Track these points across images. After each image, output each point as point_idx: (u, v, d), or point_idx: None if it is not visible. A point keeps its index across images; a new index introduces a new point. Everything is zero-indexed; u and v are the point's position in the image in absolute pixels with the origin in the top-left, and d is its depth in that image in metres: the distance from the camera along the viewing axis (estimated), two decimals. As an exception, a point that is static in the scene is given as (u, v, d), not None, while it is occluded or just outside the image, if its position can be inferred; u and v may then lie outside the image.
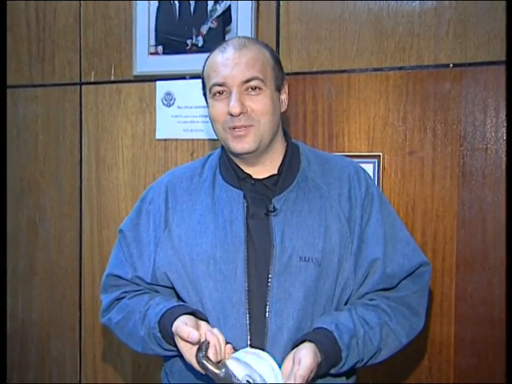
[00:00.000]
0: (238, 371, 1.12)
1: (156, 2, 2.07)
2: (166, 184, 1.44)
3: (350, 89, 1.89)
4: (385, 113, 1.86)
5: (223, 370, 1.12)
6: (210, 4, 2.01)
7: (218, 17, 2.01)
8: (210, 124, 1.39)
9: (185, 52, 2.05)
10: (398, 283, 1.36)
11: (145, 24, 2.09)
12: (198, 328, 1.20)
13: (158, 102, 2.12)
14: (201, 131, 2.06)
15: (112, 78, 2.20)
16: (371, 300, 1.34)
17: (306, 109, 1.93)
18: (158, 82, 2.12)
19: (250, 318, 1.26)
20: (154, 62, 2.09)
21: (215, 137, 2.00)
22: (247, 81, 1.29)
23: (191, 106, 2.07)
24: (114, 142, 2.20)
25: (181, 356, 1.29)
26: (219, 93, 1.31)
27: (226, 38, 1.99)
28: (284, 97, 1.40)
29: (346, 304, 1.35)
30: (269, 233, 1.30)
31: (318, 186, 1.36)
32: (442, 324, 1.81)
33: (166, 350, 1.31)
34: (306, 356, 1.16)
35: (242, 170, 1.37)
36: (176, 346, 1.25)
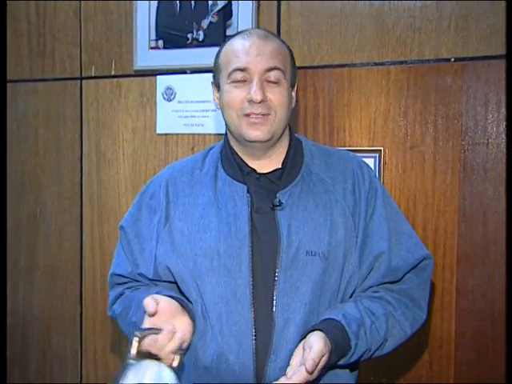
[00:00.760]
0: (130, 378, 1.06)
1: (156, -4, 2.07)
2: (167, 178, 1.42)
3: (351, 83, 1.89)
4: (386, 107, 1.85)
5: (130, 362, 1.07)
6: (211, -2, 2.01)
7: (218, 11, 2.01)
8: (221, 111, 1.36)
9: (185, 46, 2.05)
10: (403, 276, 1.36)
11: (145, 18, 2.09)
12: (176, 312, 1.20)
13: (159, 97, 2.12)
14: (201, 126, 2.06)
15: (112, 73, 2.19)
16: (375, 292, 1.35)
17: (306, 103, 1.93)
18: (158, 77, 2.11)
19: (254, 312, 1.26)
20: (155, 57, 2.09)
21: (216, 131, 2.04)
22: (269, 69, 1.28)
23: (192, 100, 2.07)
24: (115, 137, 2.20)
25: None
26: (239, 81, 1.29)
27: (227, 33, 1.98)
28: (294, 94, 1.39)
29: (350, 297, 1.36)
30: (275, 227, 1.29)
31: (323, 180, 1.36)
32: (443, 318, 1.81)
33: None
34: (316, 342, 1.15)
35: (247, 165, 1.36)
36: None
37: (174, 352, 1.16)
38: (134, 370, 1.07)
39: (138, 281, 1.42)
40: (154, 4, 2.08)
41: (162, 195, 1.40)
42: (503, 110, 1.73)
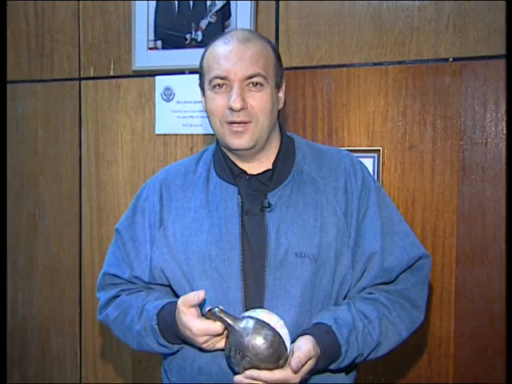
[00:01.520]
0: (266, 317, 1.14)
1: (155, -3, 2.07)
2: (161, 181, 1.43)
3: (350, 83, 1.89)
4: (384, 107, 1.85)
5: (240, 318, 1.14)
6: (209, -2, 2.01)
7: (217, 11, 2.01)
8: (207, 117, 1.36)
9: (184, 47, 2.05)
10: (397, 276, 1.34)
11: (144, 19, 2.09)
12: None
13: (158, 97, 2.12)
14: (200, 126, 2.06)
15: (111, 73, 2.19)
16: (370, 294, 1.33)
17: (305, 103, 1.93)
18: (157, 77, 2.11)
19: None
20: (154, 57, 2.09)
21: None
22: (250, 77, 1.26)
23: (190, 100, 2.07)
24: (114, 138, 2.20)
25: (174, 353, 1.31)
26: (219, 85, 1.28)
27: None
28: (281, 94, 1.37)
29: (344, 299, 1.35)
30: (264, 229, 1.28)
31: (314, 180, 1.34)
32: (442, 318, 1.81)
33: (162, 345, 1.31)
34: (304, 344, 1.16)
35: (237, 166, 1.35)
36: (172, 341, 1.26)
37: None
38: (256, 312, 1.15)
39: (133, 283, 1.42)
40: (153, 4, 2.08)
41: (156, 199, 1.40)
42: (501, 110, 1.73)
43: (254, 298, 1.26)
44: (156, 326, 1.28)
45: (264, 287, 1.26)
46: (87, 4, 2.21)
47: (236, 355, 1.13)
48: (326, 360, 1.21)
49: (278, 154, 1.37)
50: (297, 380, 1.14)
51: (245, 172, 1.34)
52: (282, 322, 1.15)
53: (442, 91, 1.79)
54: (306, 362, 1.13)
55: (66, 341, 2.32)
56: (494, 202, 1.75)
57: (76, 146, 2.26)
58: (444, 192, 1.80)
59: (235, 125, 1.27)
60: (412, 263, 1.35)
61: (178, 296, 1.36)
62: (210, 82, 1.29)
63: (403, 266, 1.34)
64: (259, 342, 1.10)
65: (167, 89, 2.10)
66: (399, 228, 1.37)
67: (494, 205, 1.75)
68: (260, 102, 1.28)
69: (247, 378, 1.11)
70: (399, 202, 1.83)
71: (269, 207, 1.30)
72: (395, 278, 1.35)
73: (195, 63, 2.01)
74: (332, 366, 1.24)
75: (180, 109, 2.09)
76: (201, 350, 1.25)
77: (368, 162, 1.80)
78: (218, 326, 1.16)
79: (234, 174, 1.35)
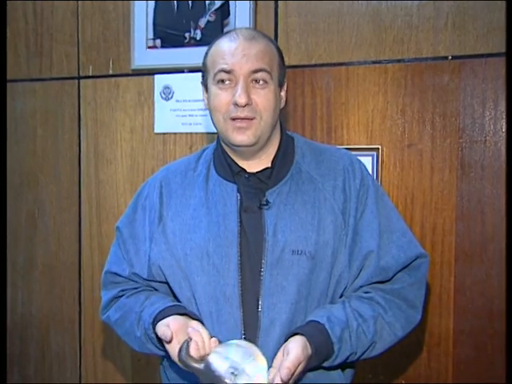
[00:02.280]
0: (221, 365, 1.12)
1: (154, -4, 2.07)
2: (161, 179, 1.43)
3: (349, 81, 1.89)
4: (383, 105, 1.85)
5: (203, 365, 1.13)
6: (208, -3, 2.01)
7: (216, 10, 2.01)
8: (209, 113, 1.36)
9: (183, 45, 2.05)
10: (394, 275, 1.34)
11: (143, 17, 2.09)
12: (186, 324, 1.22)
13: (157, 96, 2.12)
14: (199, 125, 2.06)
15: (110, 72, 2.19)
16: (366, 293, 1.33)
17: (304, 102, 1.93)
18: (156, 76, 2.11)
19: (243, 312, 1.26)
20: (152, 56, 2.08)
21: (214, 130, 2.03)
22: (255, 71, 1.27)
23: (190, 99, 2.07)
24: (113, 136, 2.20)
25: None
26: (223, 81, 1.28)
27: (225, 31, 1.98)
28: (283, 94, 1.38)
29: (341, 297, 1.35)
30: (261, 226, 1.29)
31: (312, 178, 1.35)
32: (441, 316, 1.81)
33: (162, 350, 1.31)
34: (294, 348, 1.16)
35: (237, 164, 1.36)
36: None
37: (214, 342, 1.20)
38: (217, 359, 1.14)
39: (133, 281, 1.43)
40: (152, 3, 2.08)
41: (156, 196, 1.41)
42: (501, 108, 1.74)
43: (250, 294, 1.27)
44: (153, 335, 1.28)
45: (260, 284, 1.26)
46: (86, 3, 2.21)
47: None
48: (318, 358, 1.21)
49: (277, 152, 1.37)
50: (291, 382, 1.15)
51: (244, 170, 1.35)
52: (256, 358, 1.15)
53: (441, 89, 1.79)
54: (295, 369, 1.14)
55: (66, 339, 2.32)
56: (493, 200, 1.75)
57: (75, 144, 2.26)
58: (443, 190, 1.80)
59: (239, 120, 1.28)
60: (409, 262, 1.35)
61: (175, 293, 1.37)
62: (215, 76, 1.30)
63: (400, 265, 1.34)
64: None
65: (166, 87, 2.10)
66: (397, 227, 1.37)
67: (492, 203, 1.75)
68: (264, 99, 1.29)
69: None
70: (398, 200, 1.83)
71: (267, 205, 1.30)
72: (392, 277, 1.34)
73: (194, 62, 2.03)
74: (325, 364, 1.25)
75: (179, 107, 2.09)
76: None
77: (367, 161, 1.80)
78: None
79: (233, 172, 1.35)
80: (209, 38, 2.00)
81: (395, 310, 1.31)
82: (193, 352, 1.15)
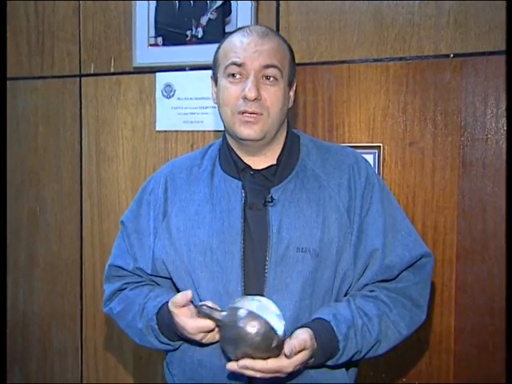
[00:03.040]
0: (246, 303, 1.15)
1: (155, -6, 2.07)
2: (166, 174, 1.44)
3: (350, 80, 1.89)
4: (385, 103, 1.85)
5: (226, 311, 1.15)
6: (210, -5, 2.02)
7: (217, 8, 2.01)
8: (217, 107, 1.36)
9: (184, 43, 2.05)
10: (399, 274, 1.34)
11: (144, 15, 2.09)
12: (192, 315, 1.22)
13: (158, 94, 2.12)
14: (201, 123, 2.06)
15: (112, 70, 2.20)
16: (371, 291, 1.33)
17: (306, 100, 1.93)
18: (157, 74, 2.12)
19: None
20: (154, 54, 2.09)
21: (215, 128, 2.04)
22: (266, 67, 1.27)
23: (191, 97, 2.07)
24: (114, 134, 2.20)
25: (180, 346, 1.31)
26: (233, 75, 1.28)
27: (226, 30, 1.98)
28: (292, 93, 1.39)
29: (345, 295, 1.35)
30: (266, 223, 1.29)
31: (317, 176, 1.35)
32: (443, 314, 1.82)
33: (163, 343, 1.32)
34: (301, 333, 1.17)
35: (242, 161, 1.36)
36: (173, 338, 1.27)
37: None
38: (241, 303, 1.16)
39: (137, 275, 1.43)
40: (154, 1, 2.08)
41: (161, 191, 1.41)
42: (502, 106, 1.74)
43: (253, 291, 1.26)
44: (156, 327, 1.29)
45: (264, 281, 1.27)
46: (88, 1, 2.21)
47: (229, 346, 1.14)
48: (323, 355, 1.21)
49: (282, 149, 1.38)
50: (290, 369, 1.14)
51: (249, 167, 1.35)
52: (277, 311, 1.16)
53: (443, 87, 1.79)
54: (300, 351, 1.14)
55: (67, 337, 2.32)
56: (495, 198, 1.75)
57: (77, 142, 2.26)
58: (444, 188, 1.80)
59: (247, 115, 1.27)
60: (414, 261, 1.35)
61: (178, 289, 1.37)
62: (226, 69, 1.30)
63: (404, 264, 1.34)
64: (247, 331, 1.11)
65: (168, 85, 2.10)
66: (402, 226, 1.37)
67: (494, 201, 1.75)
68: (273, 95, 1.29)
69: (241, 367, 1.12)
70: (400, 198, 1.83)
71: (271, 202, 1.30)
72: (397, 276, 1.34)
73: (196, 60, 2.04)
74: (329, 362, 1.24)
75: (180, 105, 2.09)
76: (201, 344, 1.26)
77: (368, 159, 1.78)
78: (209, 323, 1.18)
79: (238, 169, 1.35)
80: (210, 36, 2.01)
81: (400, 309, 1.31)
82: (210, 304, 1.18)
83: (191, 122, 2.08)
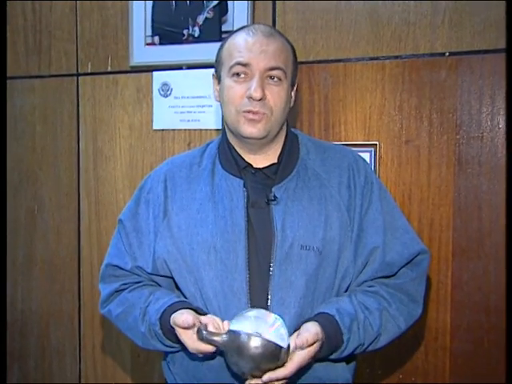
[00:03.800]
0: (244, 326, 1.14)
1: (152, -7, 2.08)
2: (165, 173, 1.43)
3: (346, 78, 1.90)
4: (381, 102, 1.86)
5: (226, 335, 1.14)
6: (206, -6, 2.02)
7: (214, 7, 2.01)
8: (220, 105, 1.36)
9: (181, 42, 2.05)
10: (397, 271, 1.36)
11: (141, 14, 2.09)
12: (198, 319, 1.22)
13: (155, 93, 2.13)
14: (198, 121, 2.07)
15: (109, 69, 2.20)
16: (370, 287, 1.35)
17: (302, 98, 1.94)
18: (154, 73, 2.12)
19: (251, 306, 1.26)
20: (151, 53, 2.09)
21: (212, 126, 2.05)
22: (271, 69, 1.28)
23: (188, 96, 2.08)
24: (112, 133, 2.21)
25: (184, 350, 1.29)
26: (238, 74, 1.29)
27: (223, 29, 1.99)
28: (293, 93, 1.40)
29: (346, 291, 1.36)
30: (269, 222, 1.30)
31: (318, 175, 1.36)
32: (439, 311, 1.83)
33: (167, 346, 1.32)
34: (312, 326, 1.18)
35: (243, 159, 1.37)
36: (177, 341, 1.26)
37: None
38: (239, 325, 1.15)
39: (136, 274, 1.42)
40: (150, 0, 2.08)
41: (161, 190, 1.41)
42: (497, 104, 1.74)
43: (258, 289, 1.28)
44: (160, 331, 1.28)
45: (269, 279, 1.27)
46: (84, 0, 2.21)
47: (234, 367, 1.16)
48: (328, 348, 1.23)
49: (282, 148, 1.39)
50: (305, 362, 1.17)
51: (250, 165, 1.36)
52: (279, 322, 1.16)
53: (439, 85, 1.80)
54: (313, 343, 1.16)
55: (66, 335, 2.33)
56: (490, 196, 1.76)
57: (74, 141, 2.27)
58: (440, 186, 1.81)
59: (251, 113, 1.28)
60: (412, 258, 1.37)
61: (178, 288, 1.37)
62: (231, 68, 1.30)
63: (403, 261, 1.36)
64: (251, 356, 1.12)
65: (165, 84, 2.11)
66: (400, 224, 1.39)
67: (489, 198, 1.76)
68: (277, 96, 1.30)
69: (265, 382, 1.14)
70: (396, 195, 1.84)
71: (274, 200, 1.31)
72: (395, 273, 1.36)
73: (192, 58, 2.05)
74: (333, 356, 1.26)
75: (177, 104, 2.10)
76: None
77: (365, 157, 1.81)
78: (209, 347, 1.18)
79: (239, 167, 1.36)
80: (207, 35, 2.01)
81: (398, 304, 1.34)
82: (211, 328, 1.17)
83: (188, 121, 2.09)
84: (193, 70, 2.05)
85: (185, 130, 2.10)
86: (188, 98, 2.08)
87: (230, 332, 1.14)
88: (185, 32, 2.04)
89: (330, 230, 1.31)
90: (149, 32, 2.09)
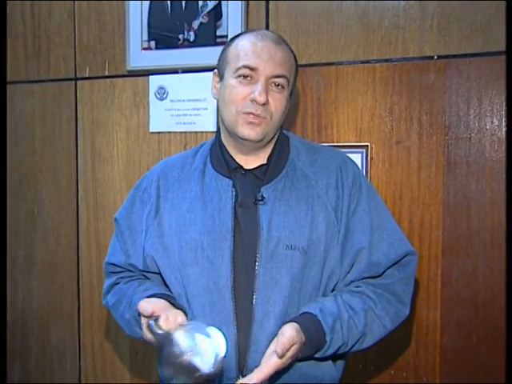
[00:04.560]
0: (183, 341, 1.12)
1: (148, -2, 2.12)
2: (159, 173, 1.47)
3: (338, 81, 1.93)
4: (372, 104, 1.90)
5: (162, 334, 1.15)
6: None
7: (209, 12, 2.05)
8: (217, 103, 1.38)
9: (177, 47, 2.08)
10: (384, 271, 1.38)
11: (138, 20, 2.12)
12: (166, 308, 1.23)
13: (152, 96, 2.16)
14: (193, 124, 2.10)
15: (106, 73, 2.23)
16: (357, 287, 1.36)
17: (295, 101, 1.97)
18: (151, 77, 2.15)
19: (236, 303, 1.29)
20: (147, 57, 2.12)
21: (207, 129, 2.08)
22: (277, 76, 1.31)
23: (184, 99, 2.11)
24: (109, 136, 2.24)
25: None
26: (244, 76, 1.32)
27: (217, 33, 2.02)
28: (289, 100, 1.42)
29: (332, 291, 1.38)
30: (256, 221, 1.32)
31: (306, 176, 1.38)
32: (429, 308, 1.86)
33: None
34: (288, 330, 1.20)
35: (234, 160, 1.39)
36: None
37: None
38: (181, 335, 1.14)
39: (130, 271, 1.47)
40: (146, 5, 2.11)
41: (153, 189, 1.44)
42: (484, 106, 1.78)
43: (244, 286, 1.30)
44: (139, 318, 1.29)
45: (255, 277, 1.29)
46: (82, 5, 2.24)
47: (159, 366, 1.17)
48: (311, 348, 1.25)
49: (273, 149, 1.41)
50: (283, 366, 1.18)
51: (241, 167, 1.39)
52: (219, 349, 1.15)
53: (428, 88, 1.84)
54: (290, 348, 1.18)
55: (65, 334, 2.36)
56: (478, 195, 1.80)
57: (72, 144, 2.29)
58: (430, 186, 1.85)
59: (252, 116, 1.31)
60: (399, 259, 1.38)
61: (167, 285, 1.41)
62: (237, 70, 1.32)
63: (390, 262, 1.37)
64: (170, 361, 1.12)
65: (161, 88, 2.14)
66: (388, 225, 1.41)
67: (477, 198, 1.80)
68: (278, 102, 1.33)
69: None
70: (387, 196, 1.88)
71: (262, 200, 1.33)
72: (382, 273, 1.38)
73: (188, 63, 2.08)
74: (318, 355, 1.28)
75: (173, 107, 2.13)
76: None
77: (356, 158, 1.84)
78: (150, 337, 1.21)
79: (229, 168, 1.39)
80: (202, 39, 2.05)
81: (385, 304, 1.35)
82: (161, 321, 1.17)
83: (184, 124, 2.12)
84: (188, 73, 2.09)
85: (181, 132, 2.13)
86: (184, 101, 2.11)
87: (171, 336, 1.14)
88: (180, 37, 2.08)
89: (316, 231, 1.33)
90: (145, 37, 2.12)
